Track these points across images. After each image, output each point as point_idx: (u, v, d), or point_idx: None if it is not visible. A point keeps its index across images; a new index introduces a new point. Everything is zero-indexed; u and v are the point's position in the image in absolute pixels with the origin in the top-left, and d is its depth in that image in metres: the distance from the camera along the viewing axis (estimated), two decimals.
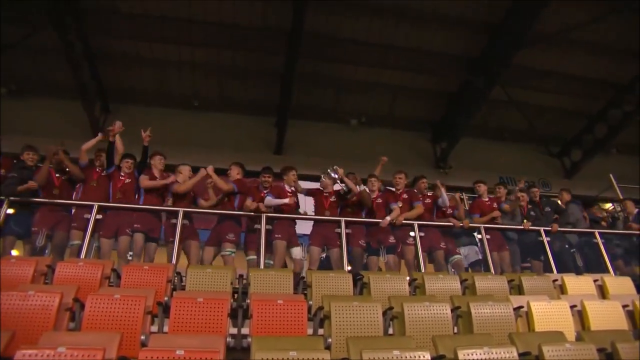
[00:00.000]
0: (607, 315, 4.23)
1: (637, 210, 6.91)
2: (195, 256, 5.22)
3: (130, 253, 5.05)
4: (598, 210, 7.48)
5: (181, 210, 5.18)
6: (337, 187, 5.80)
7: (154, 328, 3.57)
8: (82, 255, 4.70)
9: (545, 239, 5.96)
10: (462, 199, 6.10)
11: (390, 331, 3.81)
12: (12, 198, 4.81)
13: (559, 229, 6.16)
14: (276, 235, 5.24)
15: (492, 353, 2.92)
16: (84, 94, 8.58)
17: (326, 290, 4.30)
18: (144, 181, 5.23)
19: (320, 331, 3.74)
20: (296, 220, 5.57)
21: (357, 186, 5.66)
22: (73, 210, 5.13)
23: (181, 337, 3.12)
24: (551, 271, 5.66)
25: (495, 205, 6.26)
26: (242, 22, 8.32)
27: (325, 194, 5.75)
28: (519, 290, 4.93)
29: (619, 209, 7.98)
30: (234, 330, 3.72)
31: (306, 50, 8.14)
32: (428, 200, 6.09)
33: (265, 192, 5.60)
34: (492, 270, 5.53)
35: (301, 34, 7.74)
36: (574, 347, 3.14)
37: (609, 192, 9.27)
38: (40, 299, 3.21)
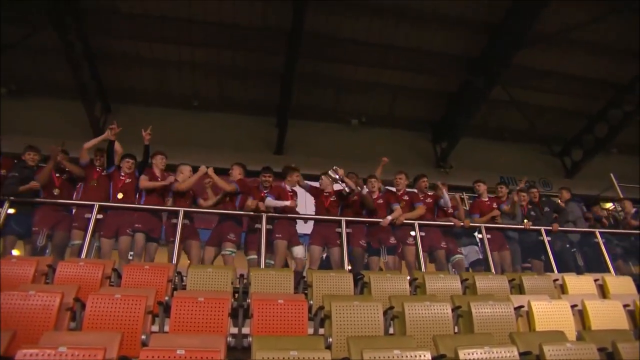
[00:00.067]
0: (607, 315, 4.23)
1: (635, 210, 6.92)
2: (196, 256, 5.22)
3: (131, 253, 5.04)
4: (599, 209, 7.47)
5: (181, 210, 5.18)
6: (337, 187, 5.79)
7: (155, 328, 3.56)
8: (83, 255, 4.70)
9: (546, 239, 5.96)
10: (462, 199, 6.09)
11: (391, 331, 3.81)
12: (12, 198, 4.81)
13: (560, 228, 6.16)
14: (277, 235, 5.24)
15: (492, 352, 2.93)
16: (84, 94, 8.57)
17: (327, 289, 4.30)
18: (143, 182, 5.23)
19: (321, 331, 3.75)
20: (297, 220, 5.56)
21: (358, 187, 5.66)
22: (74, 210, 5.12)
23: (182, 336, 3.11)
24: (552, 271, 5.65)
25: (494, 205, 6.26)
26: (242, 22, 8.32)
27: (325, 194, 5.75)
28: (519, 289, 4.93)
29: (619, 208, 7.99)
30: (234, 330, 3.72)
31: (306, 50, 8.14)
32: (429, 200, 6.08)
33: (265, 192, 5.60)
34: (493, 270, 5.53)
35: (301, 34, 7.74)
36: (574, 347, 3.15)
37: (610, 191, 9.27)
38: (41, 298, 3.20)
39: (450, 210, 6.06)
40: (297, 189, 5.77)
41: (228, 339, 3.24)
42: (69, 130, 8.42)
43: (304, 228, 5.80)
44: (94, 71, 8.85)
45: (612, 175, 8.94)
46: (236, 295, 4.46)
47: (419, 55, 9.03)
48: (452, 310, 3.84)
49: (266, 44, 8.49)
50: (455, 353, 2.90)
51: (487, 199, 6.32)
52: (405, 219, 5.64)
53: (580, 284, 5.10)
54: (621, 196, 8.01)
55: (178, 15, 8.17)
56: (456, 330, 3.92)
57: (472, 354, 2.90)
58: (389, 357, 2.75)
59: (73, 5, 7.62)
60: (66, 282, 3.89)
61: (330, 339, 3.40)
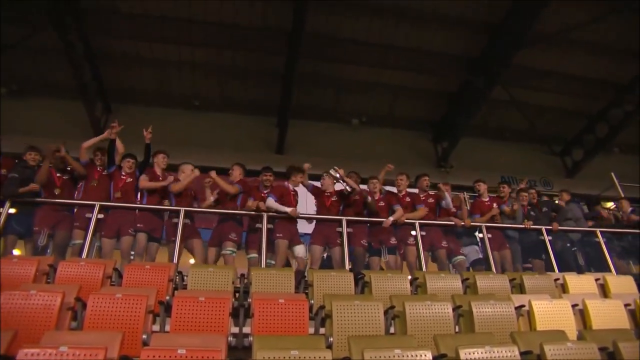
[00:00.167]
0: (608, 314, 4.23)
1: (631, 209, 6.94)
2: (200, 254, 5.22)
3: (132, 253, 5.04)
4: (601, 208, 7.49)
5: (182, 209, 5.18)
6: (338, 187, 5.79)
7: (156, 327, 3.56)
8: (84, 254, 4.70)
9: (547, 238, 5.96)
10: (464, 199, 6.09)
11: (392, 330, 3.80)
12: (13, 199, 4.81)
13: (560, 227, 6.16)
14: (278, 235, 5.23)
15: (493, 352, 2.92)
16: (85, 94, 8.58)
17: (327, 289, 4.30)
18: (143, 182, 5.23)
19: (322, 330, 3.75)
20: (297, 219, 5.56)
21: (359, 187, 5.66)
22: (75, 210, 5.12)
23: (183, 336, 3.11)
24: (553, 270, 5.65)
25: (495, 205, 6.26)
26: (242, 22, 8.33)
27: (327, 194, 5.76)
28: (520, 289, 4.93)
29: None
30: (235, 330, 3.72)
31: (306, 50, 8.16)
32: (430, 200, 6.08)
33: (265, 192, 5.60)
34: (494, 269, 5.53)
35: (301, 34, 7.75)
36: (575, 346, 3.14)
37: (611, 191, 9.28)
38: (42, 298, 3.20)
39: (453, 210, 6.06)
40: (299, 188, 5.76)
41: (229, 338, 3.24)
42: (69, 130, 8.43)
43: (305, 227, 5.80)
44: (95, 71, 8.86)
45: (613, 174, 8.94)
46: (237, 294, 4.46)
47: (419, 55, 9.04)
48: (453, 309, 3.83)
49: (266, 44, 8.50)
50: (456, 352, 2.90)
51: (487, 199, 6.32)
52: (407, 219, 5.64)
53: (581, 283, 5.09)
54: (622, 195, 8.01)
55: (178, 15, 8.18)
56: (457, 329, 3.92)
57: (473, 353, 2.89)
58: (389, 356, 2.75)
59: (73, 5, 7.63)
60: (67, 281, 3.89)
61: (331, 339, 3.40)
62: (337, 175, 5.49)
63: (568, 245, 6.29)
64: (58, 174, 5.13)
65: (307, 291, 4.57)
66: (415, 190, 6.21)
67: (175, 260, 4.86)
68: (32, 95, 9.23)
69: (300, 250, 5.33)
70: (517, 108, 10.08)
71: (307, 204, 6.13)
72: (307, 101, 9.95)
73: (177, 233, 5.03)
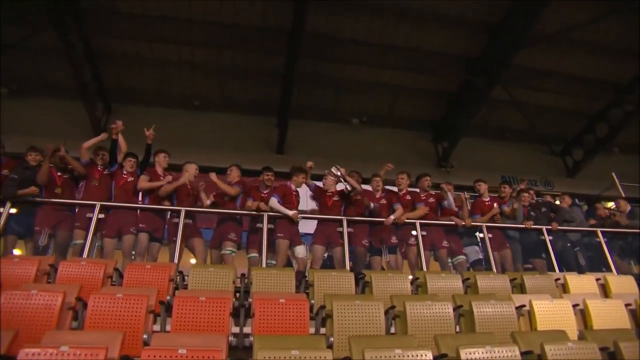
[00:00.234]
0: (609, 314, 4.23)
1: (629, 208, 6.94)
2: (202, 253, 5.22)
3: (133, 252, 5.04)
4: (600, 208, 7.48)
5: (183, 209, 5.17)
6: (340, 186, 5.80)
7: (157, 327, 3.56)
8: (85, 254, 4.70)
9: (548, 238, 5.96)
10: (466, 199, 6.09)
11: (393, 330, 3.81)
12: (12, 200, 4.81)
13: (561, 227, 6.16)
14: (279, 234, 5.23)
15: (494, 352, 2.92)
16: (85, 94, 8.58)
17: (328, 289, 4.30)
18: (141, 183, 5.23)
19: (323, 330, 3.75)
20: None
21: (360, 187, 5.66)
22: (76, 210, 5.11)
23: (183, 336, 3.11)
24: (553, 270, 5.65)
25: (495, 205, 6.26)
26: (242, 22, 8.33)
27: (328, 194, 5.76)
28: (521, 289, 4.93)
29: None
30: (236, 329, 3.73)
31: (306, 50, 8.15)
32: (431, 199, 6.08)
33: (265, 192, 5.60)
34: (494, 269, 5.53)
35: (301, 34, 7.75)
36: (576, 346, 3.14)
37: (611, 190, 9.28)
38: (43, 298, 3.21)
39: (455, 209, 6.06)
40: (300, 188, 5.76)
41: (229, 338, 3.23)
42: (70, 130, 8.43)
43: (307, 227, 5.80)
44: (95, 71, 8.85)
45: (613, 174, 8.94)
46: (237, 294, 4.46)
47: (419, 55, 9.03)
48: (454, 309, 3.84)
49: (266, 44, 8.50)
50: (456, 352, 2.90)
51: (488, 199, 6.32)
52: (407, 219, 5.64)
53: (582, 283, 5.10)
54: (623, 195, 8.01)
55: (178, 15, 8.17)
56: (457, 329, 3.92)
57: (474, 353, 2.89)
58: (390, 356, 2.75)
59: (73, 5, 7.62)
60: (68, 281, 3.89)
61: (332, 339, 3.40)
62: (339, 174, 5.49)
63: (569, 245, 6.29)
64: (59, 173, 5.13)
65: (307, 291, 4.57)
66: (417, 190, 6.21)
67: (176, 260, 4.86)
68: (32, 95, 9.22)
69: (300, 251, 5.33)
70: (517, 108, 10.08)
71: (307, 203, 6.13)
72: (307, 101, 9.94)
73: (178, 233, 5.03)
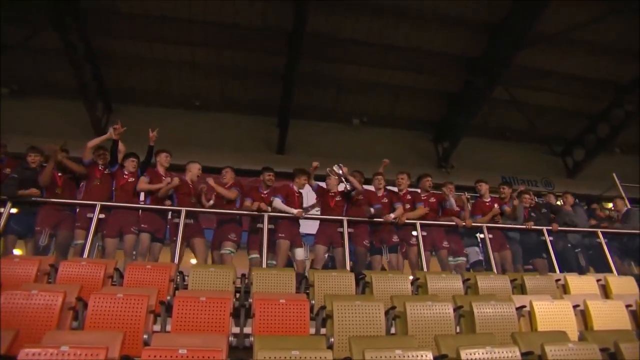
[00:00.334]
0: (610, 315, 4.22)
1: (626, 209, 6.93)
2: (202, 253, 5.22)
3: (134, 252, 5.04)
4: (601, 209, 7.48)
5: (183, 209, 5.17)
6: (341, 186, 5.80)
7: (157, 327, 3.56)
8: (85, 254, 4.69)
9: (548, 238, 5.95)
10: (468, 199, 6.08)
11: (393, 330, 3.80)
12: (13, 200, 4.81)
13: (561, 228, 6.15)
14: (280, 235, 5.23)
15: (494, 353, 2.92)
16: (85, 94, 8.58)
17: (328, 289, 4.29)
18: (140, 184, 5.22)
19: (323, 330, 3.74)
20: (300, 220, 5.57)
21: (362, 187, 5.67)
22: (77, 210, 5.11)
23: (184, 336, 3.10)
24: (554, 271, 5.65)
25: (496, 205, 6.25)
26: (242, 22, 8.34)
27: (331, 194, 5.76)
28: (521, 289, 4.92)
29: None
30: (236, 330, 3.72)
31: (306, 50, 8.16)
32: (433, 199, 6.08)
33: (265, 192, 5.60)
34: (495, 270, 5.52)
35: (302, 34, 7.75)
36: (576, 347, 3.14)
37: (612, 191, 9.26)
38: (43, 298, 3.20)
39: (457, 209, 6.06)
40: (302, 190, 5.78)
41: (230, 338, 3.23)
42: (70, 130, 8.44)
43: (308, 228, 5.80)
44: (95, 71, 8.86)
45: (614, 175, 8.93)
46: (238, 294, 4.45)
47: (419, 55, 9.04)
48: (454, 310, 3.83)
49: (266, 44, 8.51)
50: (456, 353, 2.89)
51: (488, 200, 6.31)
52: (407, 219, 5.64)
53: (582, 284, 5.08)
54: (624, 196, 7.99)
55: (178, 15, 8.18)
56: (458, 330, 3.91)
57: (474, 354, 2.89)
58: (390, 357, 2.75)
59: (73, 5, 7.63)
60: (68, 281, 3.89)
61: (332, 339, 3.40)
62: (340, 172, 5.48)
63: (569, 246, 6.28)
64: (59, 174, 5.13)
65: (308, 291, 4.56)
66: (417, 190, 6.21)
67: (176, 260, 4.86)
68: (32, 95, 9.23)
69: (300, 253, 5.33)
70: (518, 108, 10.08)
71: (308, 201, 6.12)
72: (308, 101, 9.95)
73: (178, 233, 5.03)
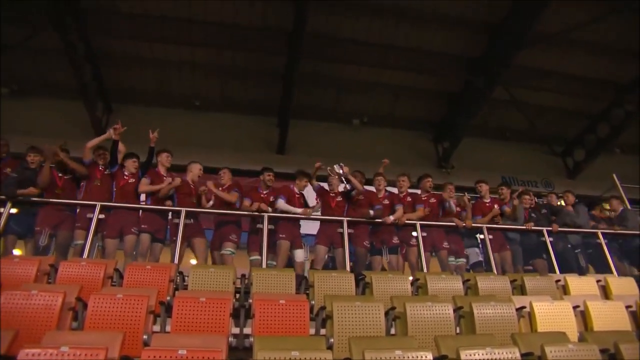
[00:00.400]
0: (610, 316, 4.22)
1: (622, 208, 6.92)
2: (203, 253, 5.22)
3: (135, 252, 5.04)
4: (601, 211, 7.46)
5: (183, 210, 5.17)
6: (341, 187, 5.80)
7: (157, 327, 3.57)
8: (85, 255, 4.69)
9: (548, 239, 5.95)
10: (469, 200, 6.08)
11: (393, 331, 3.80)
12: (12, 200, 4.80)
13: (561, 229, 6.15)
14: (280, 235, 5.24)
15: (494, 353, 2.92)
16: (85, 94, 8.57)
17: (328, 290, 4.30)
18: (142, 186, 5.22)
19: (323, 331, 3.74)
20: (300, 221, 5.57)
21: (362, 187, 5.66)
22: (77, 210, 5.11)
23: (183, 336, 3.11)
24: (554, 271, 5.64)
25: (496, 206, 6.25)
26: (242, 22, 8.32)
27: (332, 195, 5.76)
28: (521, 290, 4.92)
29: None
30: (236, 330, 3.72)
31: (306, 50, 8.15)
32: (433, 200, 6.07)
33: (265, 192, 5.60)
34: (495, 271, 5.52)
35: (302, 34, 7.75)
36: (576, 348, 3.14)
37: (612, 191, 9.25)
38: (43, 298, 3.20)
39: (458, 209, 6.05)
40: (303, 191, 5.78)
41: (229, 339, 3.23)
42: (70, 130, 8.42)
43: (309, 228, 5.80)
44: (95, 71, 8.84)
45: (614, 175, 8.92)
46: (238, 295, 4.46)
47: (419, 55, 9.03)
48: (454, 310, 3.83)
49: (266, 44, 8.50)
50: (456, 354, 2.89)
51: (488, 200, 6.31)
52: (407, 219, 5.64)
53: (582, 284, 5.09)
54: (624, 196, 7.99)
55: (178, 15, 8.17)
56: (458, 331, 3.91)
57: (474, 354, 2.89)
58: (390, 357, 2.75)
59: (73, 5, 7.62)
60: (68, 281, 3.89)
61: (332, 340, 3.40)
62: (340, 172, 5.48)
63: (569, 246, 6.27)
64: (60, 174, 5.13)
65: (307, 292, 4.57)
66: (417, 191, 6.20)
67: (176, 261, 4.86)
68: (32, 95, 9.22)
69: (300, 254, 5.33)
70: (518, 108, 10.07)
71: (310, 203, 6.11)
72: (308, 101, 9.94)
73: (178, 233, 5.02)
